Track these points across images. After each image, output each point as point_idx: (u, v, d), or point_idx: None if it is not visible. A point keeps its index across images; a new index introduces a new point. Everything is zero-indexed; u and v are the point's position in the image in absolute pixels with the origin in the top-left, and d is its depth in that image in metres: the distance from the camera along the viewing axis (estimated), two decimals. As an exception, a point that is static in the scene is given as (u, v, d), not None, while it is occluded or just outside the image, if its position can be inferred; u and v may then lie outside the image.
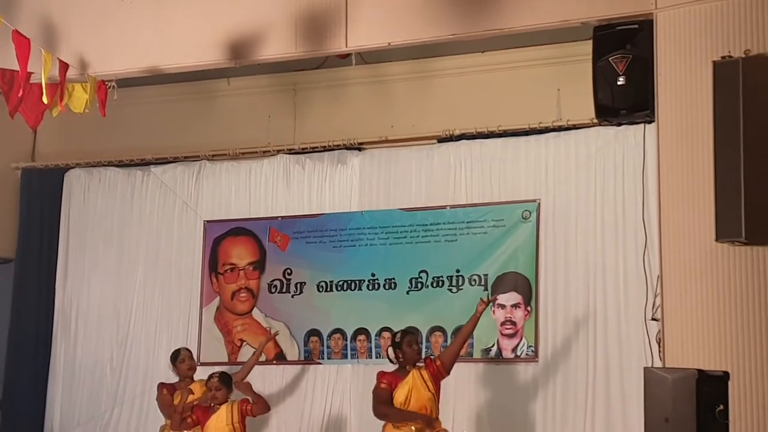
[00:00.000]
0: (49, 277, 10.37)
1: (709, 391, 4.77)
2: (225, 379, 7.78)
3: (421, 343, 7.76)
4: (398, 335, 7.45)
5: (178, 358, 8.42)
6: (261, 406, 7.70)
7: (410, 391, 7.17)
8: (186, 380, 8.33)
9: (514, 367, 8.62)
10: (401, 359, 7.29)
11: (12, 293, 10.42)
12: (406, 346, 7.30)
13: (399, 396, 7.20)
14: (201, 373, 8.37)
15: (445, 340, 8.79)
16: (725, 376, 4.88)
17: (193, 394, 8.03)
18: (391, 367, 7.42)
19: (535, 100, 8.83)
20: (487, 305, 7.52)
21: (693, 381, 4.72)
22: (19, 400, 10.18)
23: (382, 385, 7.26)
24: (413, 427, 7.13)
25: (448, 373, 7.35)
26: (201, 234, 9.91)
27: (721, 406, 4.78)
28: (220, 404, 7.69)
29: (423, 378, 7.20)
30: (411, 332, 7.60)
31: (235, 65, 7.98)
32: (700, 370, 4.82)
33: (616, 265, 8.34)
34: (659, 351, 6.43)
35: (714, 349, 5.71)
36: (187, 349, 8.57)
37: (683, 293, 5.90)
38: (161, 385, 8.41)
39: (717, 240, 5.65)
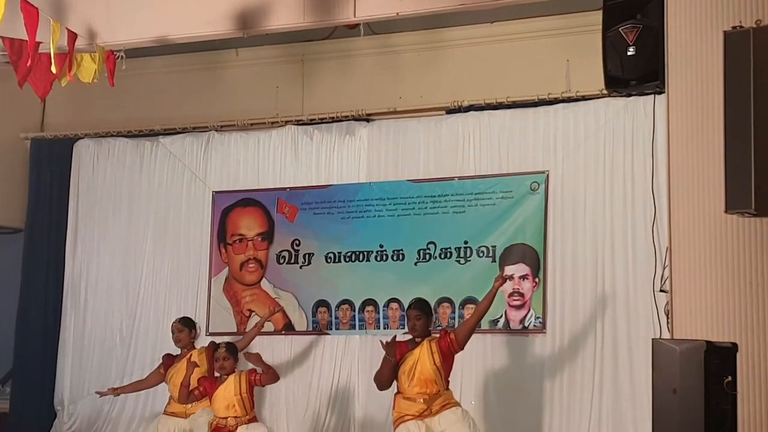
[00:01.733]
0: (59, 247, 10.40)
1: (718, 362, 4.75)
2: (232, 350, 7.81)
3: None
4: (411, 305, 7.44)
5: None
6: (270, 376, 7.71)
7: (415, 363, 7.17)
8: (184, 350, 8.36)
9: (521, 339, 8.63)
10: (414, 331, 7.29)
11: (22, 263, 10.45)
12: (413, 319, 7.29)
13: (405, 366, 7.20)
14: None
15: (453, 311, 8.80)
16: (733, 347, 4.86)
17: (198, 366, 8.05)
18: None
19: (544, 70, 8.79)
20: (504, 282, 7.49)
21: (701, 352, 4.70)
22: (30, 370, 10.23)
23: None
24: (422, 399, 7.15)
25: (462, 348, 7.30)
26: (209, 205, 9.92)
27: (729, 378, 4.76)
28: (228, 374, 7.72)
29: (431, 350, 7.17)
30: (418, 305, 7.43)
31: (243, 36, 7.93)
32: (708, 342, 4.80)
33: (625, 236, 8.33)
34: (667, 322, 6.40)
35: (722, 321, 5.69)
36: (177, 321, 8.56)
37: (692, 265, 5.87)
38: (164, 356, 8.53)
39: (726, 211, 5.61)
